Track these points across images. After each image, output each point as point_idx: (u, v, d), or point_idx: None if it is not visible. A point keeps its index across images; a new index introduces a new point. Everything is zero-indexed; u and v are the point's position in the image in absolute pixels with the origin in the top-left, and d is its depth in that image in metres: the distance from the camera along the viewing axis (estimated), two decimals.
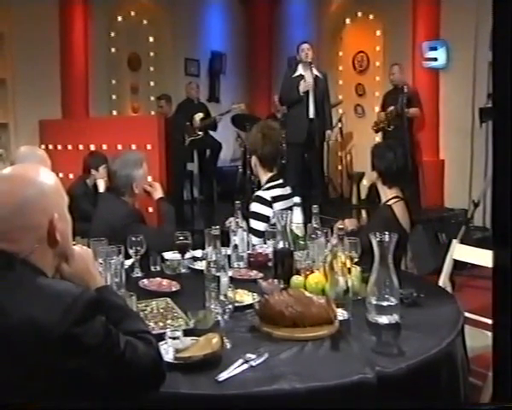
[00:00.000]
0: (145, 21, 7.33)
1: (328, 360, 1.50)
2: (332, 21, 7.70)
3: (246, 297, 1.97)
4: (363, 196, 7.15)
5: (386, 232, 1.75)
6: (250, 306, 1.86)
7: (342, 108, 7.44)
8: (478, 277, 4.24)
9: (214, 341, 1.49)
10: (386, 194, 2.83)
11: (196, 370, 1.40)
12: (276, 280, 2.07)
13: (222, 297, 1.68)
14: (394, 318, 1.73)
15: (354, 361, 1.46)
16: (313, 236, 2.32)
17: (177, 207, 5.58)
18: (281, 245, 2.15)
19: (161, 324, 1.71)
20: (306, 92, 5.65)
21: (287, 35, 7.93)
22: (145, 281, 2.17)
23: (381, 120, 6.44)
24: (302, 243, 2.31)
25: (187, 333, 1.57)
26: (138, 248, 2.35)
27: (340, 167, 7.49)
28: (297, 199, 2.46)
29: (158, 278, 2.21)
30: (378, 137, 6.72)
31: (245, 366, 1.43)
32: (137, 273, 2.34)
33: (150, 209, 4.31)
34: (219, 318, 1.60)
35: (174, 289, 2.10)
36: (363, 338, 1.63)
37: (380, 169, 2.81)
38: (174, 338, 1.50)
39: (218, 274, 1.79)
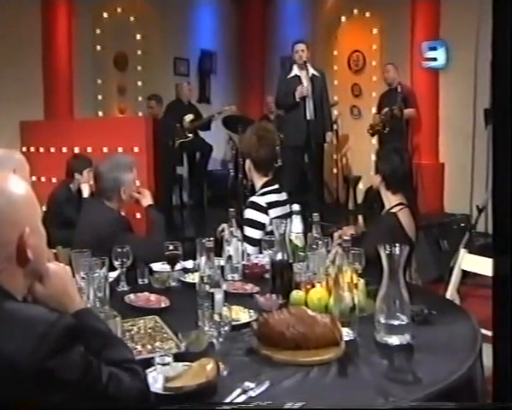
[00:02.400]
0: (132, 18, 7.23)
1: (337, 388, 1.39)
2: (327, 19, 7.65)
3: (242, 314, 1.85)
4: (359, 200, 7.09)
5: (397, 244, 1.64)
6: (247, 324, 1.74)
7: (338, 109, 7.34)
8: (482, 286, 4.15)
9: (209, 367, 1.37)
10: (390, 200, 2.74)
11: (189, 401, 1.28)
12: (274, 295, 1.96)
13: (216, 317, 1.56)
14: (406, 338, 1.62)
15: (366, 390, 1.35)
16: (314, 246, 2.22)
17: (166, 212, 5.58)
18: (279, 256, 2.05)
19: (149, 346, 1.59)
20: None
21: (280, 33, 7.86)
22: (131, 296, 2.06)
23: (376, 123, 6.40)
24: (302, 254, 2.21)
25: (178, 357, 1.45)
26: (124, 259, 2.24)
27: (335, 171, 7.42)
28: (296, 207, 2.35)
29: (146, 293, 2.10)
30: (374, 140, 6.68)
31: (243, 397, 1.31)
32: (123, 287, 2.24)
33: (138, 215, 4.25)
34: (214, 341, 1.48)
35: (163, 305, 1.99)
36: (372, 362, 1.52)
37: (384, 173, 2.72)
38: (164, 364, 1.38)
39: (211, 291, 1.67)
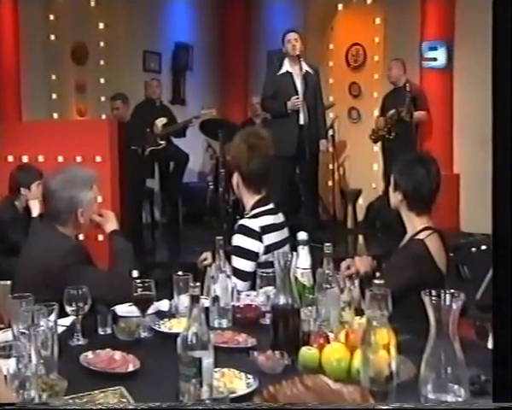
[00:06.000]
0: (93, 3, 7.14)
1: None
2: (321, 8, 7.61)
3: (237, 382, 1.59)
4: (359, 217, 7.06)
5: (451, 290, 1.38)
6: (246, 396, 1.49)
7: (334, 111, 7.26)
8: None
9: None
10: (415, 224, 2.52)
11: None
12: (276, 352, 1.74)
13: (206, 393, 1.28)
14: None
15: None
16: (325, 285, 1.98)
17: (135, 233, 5.53)
18: (282, 300, 1.84)
19: None
20: (295, 90, 5.43)
21: (267, 24, 7.85)
22: (89, 356, 1.80)
23: (379, 127, 6.36)
24: (310, 296, 1.99)
25: None
26: (80, 304, 1.99)
27: (330, 183, 7.35)
28: (303, 235, 2.11)
29: (108, 350, 1.84)
30: (377, 147, 6.66)
31: None
32: (78, 341, 1.98)
33: (100, 237, 4.18)
34: None
35: (131, 368, 1.73)
36: None
37: (406, 190, 2.50)
38: None
39: (198, 356, 1.40)
